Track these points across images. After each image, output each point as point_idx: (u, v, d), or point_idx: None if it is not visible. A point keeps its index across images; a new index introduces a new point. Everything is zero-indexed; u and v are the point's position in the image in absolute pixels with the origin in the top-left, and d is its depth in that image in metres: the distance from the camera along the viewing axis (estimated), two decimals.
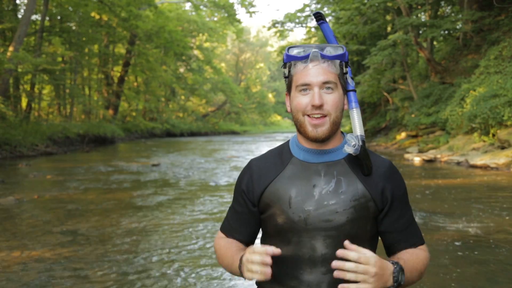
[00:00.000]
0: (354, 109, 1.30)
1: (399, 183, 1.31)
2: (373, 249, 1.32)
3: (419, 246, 1.31)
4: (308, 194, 1.26)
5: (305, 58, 1.25)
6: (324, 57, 1.25)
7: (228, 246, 1.36)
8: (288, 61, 1.29)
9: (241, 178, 1.39)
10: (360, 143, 1.24)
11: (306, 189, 1.27)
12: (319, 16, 1.42)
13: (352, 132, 1.29)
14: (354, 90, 1.33)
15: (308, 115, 1.24)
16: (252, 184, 1.34)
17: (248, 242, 1.39)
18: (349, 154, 1.29)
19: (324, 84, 1.23)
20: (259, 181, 1.33)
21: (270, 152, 1.42)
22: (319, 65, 1.24)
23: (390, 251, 1.32)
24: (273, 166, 1.35)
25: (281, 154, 1.37)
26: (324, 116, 1.23)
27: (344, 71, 1.29)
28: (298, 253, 1.26)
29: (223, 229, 1.43)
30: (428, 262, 1.30)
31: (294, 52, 1.28)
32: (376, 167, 1.30)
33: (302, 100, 1.25)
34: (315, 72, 1.23)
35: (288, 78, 1.30)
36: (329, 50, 1.27)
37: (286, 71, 1.31)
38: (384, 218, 1.29)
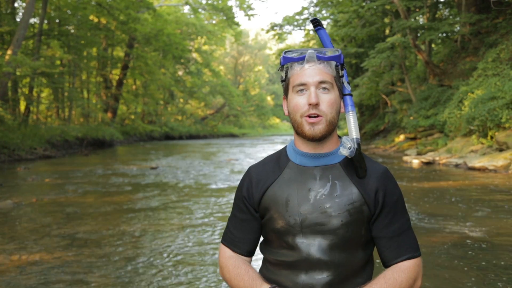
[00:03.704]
0: (350, 112, 1.32)
1: (392, 189, 1.30)
2: (368, 255, 1.32)
3: (409, 261, 1.26)
4: (303, 198, 1.28)
5: (301, 59, 1.28)
6: (320, 58, 1.28)
7: (238, 272, 1.32)
8: (285, 63, 1.31)
9: (241, 185, 1.40)
10: (356, 145, 1.25)
11: (302, 193, 1.28)
12: (316, 22, 1.46)
13: (348, 135, 1.31)
14: (351, 94, 1.35)
15: (306, 116, 1.25)
16: (252, 189, 1.35)
17: (252, 250, 1.39)
18: (345, 158, 1.31)
19: (320, 84, 1.25)
20: (258, 186, 1.35)
21: (268, 157, 1.43)
22: (315, 66, 1.27)
23: (382, 261, 1.31)
24: (271, 171, 1.36)
25: (279, 159, 1.38)
26: (320, 116, 1.25)
27: (340, 74, 1.31)
28: (294, 256, 1.27)
29: (226, 241, 1.40)
30: (414, 282, 1.24)
31: (290, 54, 1.31)
32: (371, 172, 1.30)
33: (299, 101, 1.26)
34: (311, 72, 1.26)
35: (285, 81, 1.33)
36: (325, 52, 1.30)
37: (283, 74, 1.33)
38: (374, 223, 1.29)
